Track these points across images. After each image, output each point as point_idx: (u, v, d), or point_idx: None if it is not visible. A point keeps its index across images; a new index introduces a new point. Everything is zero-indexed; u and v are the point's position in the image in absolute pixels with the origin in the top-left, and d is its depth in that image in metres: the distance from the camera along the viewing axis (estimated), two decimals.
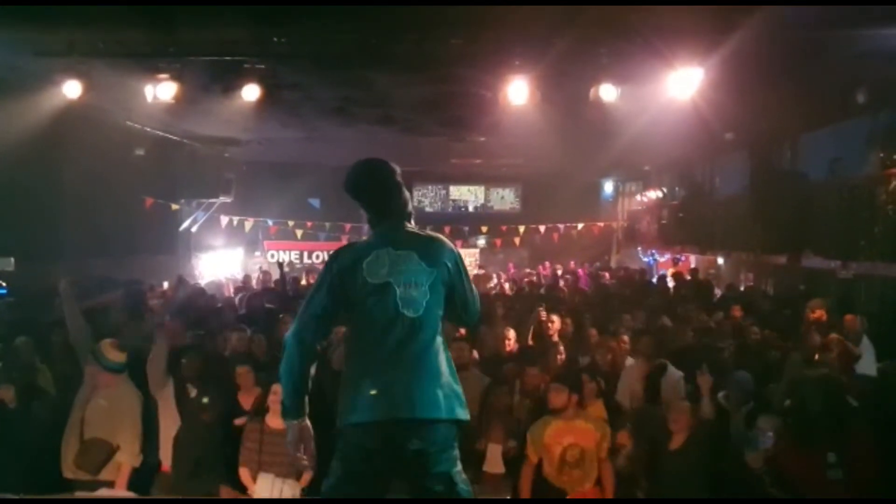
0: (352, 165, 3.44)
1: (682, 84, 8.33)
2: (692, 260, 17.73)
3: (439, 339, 3.24)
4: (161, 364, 5.71)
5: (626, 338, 7.33)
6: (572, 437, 5.20)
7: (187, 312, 8.70)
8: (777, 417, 5.20)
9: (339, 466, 3.18)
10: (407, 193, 3.42)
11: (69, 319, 5.83)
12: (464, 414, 3.20)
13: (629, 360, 6.88)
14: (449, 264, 3.29)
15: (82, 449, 5.20)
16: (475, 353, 6.82)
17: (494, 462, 5.44)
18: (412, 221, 3.42)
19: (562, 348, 7.24)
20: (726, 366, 6.79)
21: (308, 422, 3.32)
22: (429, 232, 3.41)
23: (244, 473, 5.35)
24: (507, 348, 7.29)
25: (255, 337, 7.21)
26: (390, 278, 3.17)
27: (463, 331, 6.55)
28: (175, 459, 5.48)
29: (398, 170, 3.43)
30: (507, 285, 14.76)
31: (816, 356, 6.83)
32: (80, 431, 5.25)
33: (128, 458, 5.31)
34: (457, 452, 3.22)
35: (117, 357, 5.41)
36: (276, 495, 5.19)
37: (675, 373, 6.41)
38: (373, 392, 3.09)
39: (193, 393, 5.68)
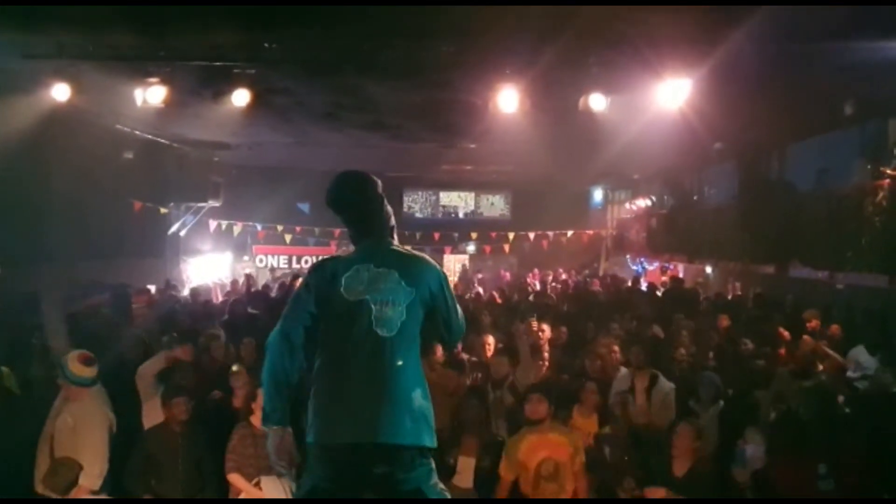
0: (332, 179, 3.34)
1: (670, 94, 8.39)
2: (680, 268, 17.81)
3: (413, 360, 3.16)
4: (150, 376, 5.69)
5: (615, 346, 7.37)
6: (546, 451, 5.08)
7: (176, 320, 8.70)
8: (763, 430, 5.21)
9: (308, 480, 3.14)
10: (389, 208, 3.35)
11: (52, 336, 5.68)
12: (430, 441, 3.12)
13: (622, 371, 6.89)
14: (431, 286, 3.21)
15: (52, 468, 5.09)
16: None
17: (465, 476, 5.33)
18: (395, 237, 3.35)
19: (546, 355, 7.27)
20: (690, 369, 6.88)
21: (290, 430, 3.24)
22: (413, 251, 3.35)
23: (236, 479, 5.25)
24: (488, 354, 7.32)
25: (246, 340, 7.23)
26: (367, 295, 3.10)
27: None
28: (132, 454, 5.38)
29: (380, 183, 3.34)
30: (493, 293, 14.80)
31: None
32: (50, 448, 5.15)
33: (87, 479, 5.12)
34: (430, 466, 3.15)
35: (82, 371, 5.20)
36: (288, 494, 5.10)
37: (665, 384, 6.42)
38: (339, 412, 3.02)
39: None
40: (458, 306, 3.35)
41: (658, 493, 5.02)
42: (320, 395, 3.11)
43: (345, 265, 3.20)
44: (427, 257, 3.34)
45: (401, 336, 3.10)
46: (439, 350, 6.75)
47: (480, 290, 14.92)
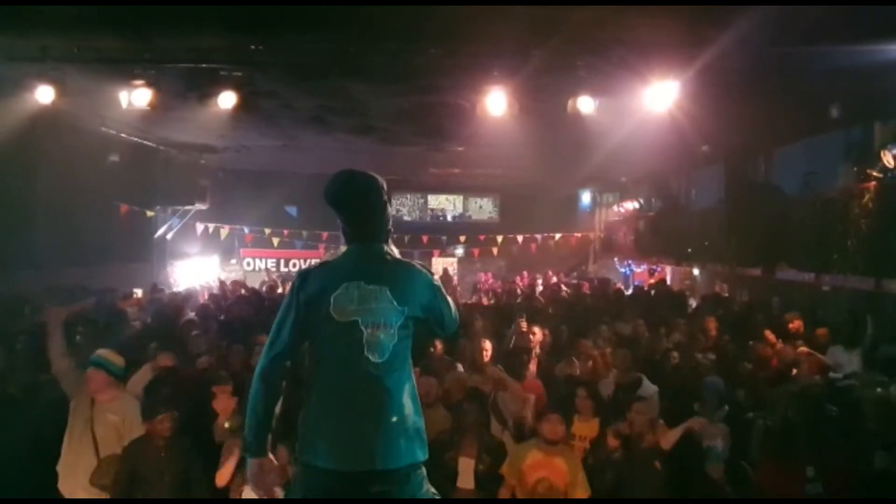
0: (337, 174, 3.18)
1: (658, 97, 8.42)
2: (667, 271, 17.87)
3: (406, 380, 3.08)
4: (139, 390, 5.65)
5: (607, 350, 7.41)
6: (545, 472, 5.13)
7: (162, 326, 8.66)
8: (724, 425, 5.24)
9: (299, 490, 3.07)
10: (390, 211, 3.23)
11: (53, 353, 5.47)
12: (423, 455, 3.07)
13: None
14: (423, 299, 3.11)
15: (101, 468, 5.09)
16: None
17: (466, 478, 5.37)
18: (390, 242, 3.23)
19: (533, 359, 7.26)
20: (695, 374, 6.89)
21: (271, 456, 3.14)
22: (404, 261, 3.20)
23: (219, 476, 5.24)
24: (485, 360, 7.28)
25: (235, 348, 7.20)
26: (358, 317, 2.98)
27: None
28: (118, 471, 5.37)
29: (385, 186, 3.20)
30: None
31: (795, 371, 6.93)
32: (95, 449, 5.14)
33: None
34: (422, 476, 3.10)
35: (122, 362, 5.37)
36: None
37: (649, 387, 6.42)
38: (331, 439, 2.97)
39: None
40: (450, 303, 3.25)
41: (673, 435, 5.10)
42: (312, 416, 3.05)
43: (334, 280, 3.05)
44: (417, 265, 3.22)
45: (392, 360, 3.02)
46: (438, 345, 6.90)
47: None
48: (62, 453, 5.20)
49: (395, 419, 3.00)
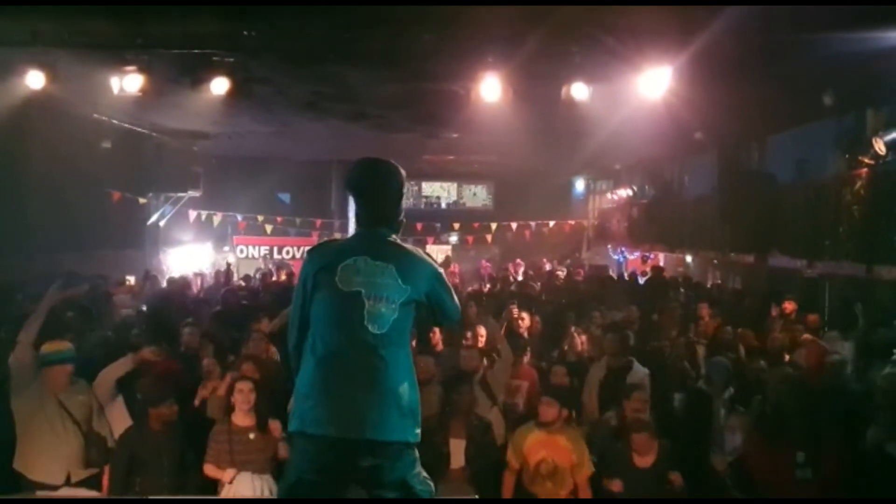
0: (363, 160, 3.33)
1: (651, 84, 8.40)
2: (661, 258, 17.92)
3: (403, 356, 3.13)
4: (112, 381, 5.64)
5: (583, 336, 7.50)
6: (547, 452, 5.23)
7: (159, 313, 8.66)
8: (747, 417, 5.26)
9: (293, 473, 3.10)
10: (403, 204, 3.34)
11: (25, 337, 5.34)
12: (415, 436, 3.11)
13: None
14: (427, 283, 3.17)
15: (88, 445, 5.21)
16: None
17: (456, 457, 5.45)
18: (399, 234, 3.32)
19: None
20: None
21: None
22: (411, 247, 3.29)
23: (210, 469, 5.27)
24: (480, 345, 7.33)
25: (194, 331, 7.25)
26: (362, 288, 3.06)
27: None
28: (115, 457, 5.39)
29: (405, 178, 3.33)
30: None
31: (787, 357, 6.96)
32: (79, 429, 5.23)
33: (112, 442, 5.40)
34: (414, 456, 3.13)
35: (63, 346, 5.32)
36: (257, 492, 5.15)
37: (640, 370, 6.45)
38: (326, 405, 3.01)
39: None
40: (452, 293, 3.32)
41: (615, 485, 5.11)
42: (307, 384, 3.09)
43: (342, 254, 3.16)
44: (423, 253, 3.31)
45: (391, 333, 3.07)
46: (437, 335, 7.00)
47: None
48: (33, 445, 5.16)
49: (389, 391, 3.04)
